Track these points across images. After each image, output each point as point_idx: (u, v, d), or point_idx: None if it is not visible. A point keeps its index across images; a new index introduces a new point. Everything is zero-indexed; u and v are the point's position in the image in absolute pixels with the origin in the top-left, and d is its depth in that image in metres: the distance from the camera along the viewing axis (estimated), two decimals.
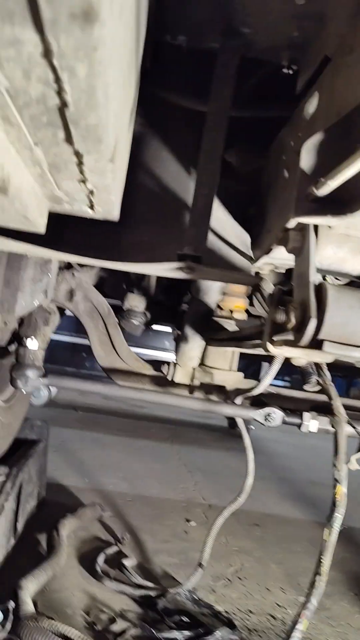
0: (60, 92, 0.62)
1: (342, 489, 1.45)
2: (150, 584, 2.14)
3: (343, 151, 0.86)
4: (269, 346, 1.15)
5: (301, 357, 1.16)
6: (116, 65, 0.68)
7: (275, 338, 1.16)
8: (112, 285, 2.89)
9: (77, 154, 0.82)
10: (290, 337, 1.06)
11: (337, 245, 1.02)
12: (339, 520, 1.45)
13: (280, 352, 1.14)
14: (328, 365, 1.77)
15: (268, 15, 1.21)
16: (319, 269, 1.06)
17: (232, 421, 5.80)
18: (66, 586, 2.04)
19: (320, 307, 0.94)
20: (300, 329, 0.96)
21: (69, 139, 0.76)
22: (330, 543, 1.41)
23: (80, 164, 0.86)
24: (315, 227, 1.01)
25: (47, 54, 0.54)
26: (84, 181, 0.95)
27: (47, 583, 1.95)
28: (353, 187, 0.87)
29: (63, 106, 0.66)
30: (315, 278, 0.96)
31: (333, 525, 1.42)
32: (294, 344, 1.01)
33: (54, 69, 0.56)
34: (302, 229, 1.03)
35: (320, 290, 0.95)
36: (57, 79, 0.59)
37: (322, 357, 1.13)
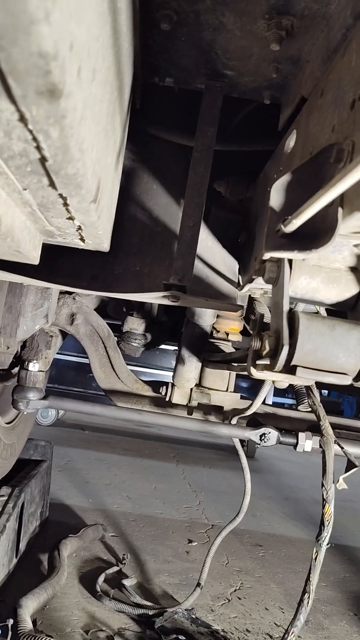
0: (38, 148, 0.69)
1: (330, 509, 1.49)
2: (149, 603, 2.17)
3: (309, 191, 0.92)
4: (252, 370, 1.21)
5: (282, 380, 1.21)
6: (91, 122, 0.75)
7: (258, 362, 1.21)
8: (113, 308, 2.97)
9: (62, 197, 0.89)
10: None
11: (310, 276, 1.08)
12: (327, 538, 1.49)
13: (263, 376, 1.20)
14: (341, 385, 1.82)
15: (248, 59, 1.29)
16: (293, 298, 1.12)
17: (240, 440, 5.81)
18: (66, 605, 2.07)
19: (293, 335, 1.00)
20: (274, 355, 1.02)
21: (52, 184, 0.84)
22: (318, 561, 1.44)
23: (65, 204, 0.94)
24: (290, 259, 1.08)
25: (23, 119, 0.61)
26: (71, 218, 1.03)
27: (47, 602, 1.99)
28: (318, 224, 0.93)
29: (43, 159, 0.73)
30: (288, 307, 1.02)
31: (322, 544, 1.46)
32: (270, 369, 1.06)
33: (30, 131, 0.64)
34: (278, 260, 1.09)
35: (292, 318, 1.01)
36: (35, 139, 0.66)
37: (302, 381, 1.18)
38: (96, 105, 0.78)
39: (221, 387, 2.32)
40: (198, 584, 2.18)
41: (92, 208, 0.95)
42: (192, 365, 2.21)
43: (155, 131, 1.56)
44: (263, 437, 2.04)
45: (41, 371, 2.13)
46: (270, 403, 5.06)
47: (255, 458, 5.88)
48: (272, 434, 2.04)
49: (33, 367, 2.09)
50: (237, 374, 2.38)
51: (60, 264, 1.49)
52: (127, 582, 2.31)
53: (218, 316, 2.18)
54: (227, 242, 1.67)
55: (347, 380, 1.03)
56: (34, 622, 1.86)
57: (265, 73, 1.32)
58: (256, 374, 1.21)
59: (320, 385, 3.46)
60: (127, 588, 2.26)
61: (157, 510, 3.59)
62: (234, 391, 2.38)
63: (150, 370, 6.22)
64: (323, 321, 1.01)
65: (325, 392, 8.43)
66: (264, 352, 1.05)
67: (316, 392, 1.74)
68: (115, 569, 2.46)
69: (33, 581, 2.05)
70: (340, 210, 0.89)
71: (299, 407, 2.13)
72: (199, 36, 1.24)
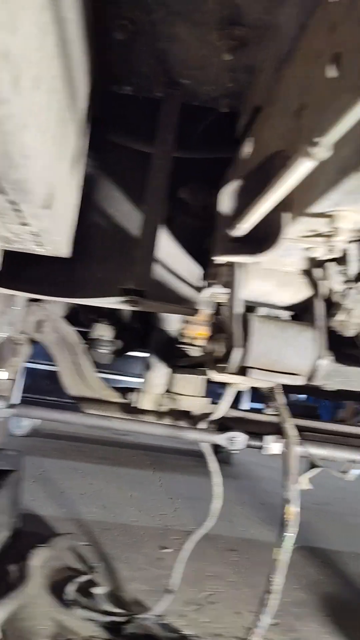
0: None
1: (291, 509, 1.51)
2: (119, 611, 2.16)
3: (256, 196, 0.95)
4: (212, 373, 1.23)
5: (239, 382, 1.23)
6: (36, 129, 0.76)
7: (217, 365, 1.23)
8: (85, 315, 2.96)
9: (12, 202, 0.90)
10: None
11: (263, 280, 1.10)
12: (291, 539, 1.50)
13: (222, 379, 1.22)
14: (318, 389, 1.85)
15: (205, 69, 1.31)
16: (249, 301, 1.14)
17: (216, 446, 5.78)
18: (35, 615, 2.05)
19: (246, 337, 1.02)
20: (228, 357, 1.04)
21: (2, 190, 0.85)
22: (281, 562, 1.46)
23: (17, 210, 0.94)
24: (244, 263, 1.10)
25: None
26: (25, 224, 1.03)
27: (15, 612, 1.97)
28: (269, 229, 0.96)
29: None
30: (241, 310, 1.04)
31: (283, 545, 1.48)
32: (225, 371, 1.08)
33: None
34: (232, 264, 1.11)
35: (245, 321, 1.03)
36: None
37: (258, 382, 1.21)
38: (42, 113, 0.79)
39: (191, 392, 2.33)
40: (169, 590, 2.18)
41: (44, 214, 0.97)
42: (160, 371, 2.22)
43: (117, 139, 1.58)
44: (231, 441, 2.05)
45: (9, 379, 2.12)
46: (248, 408, 5.07)
47: (231, 464, 5.89)
48: (241, 438, 2.05)
49: (0, 375, 2.08)
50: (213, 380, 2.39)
51: (23, 271, 1.50)
52: (97, 591, 2.30)
53: (187, 322, 2.19)
54: (192, 249, 1.69)
55: (299, 381, 1.06)
56: (3, 632, 1.84)
57: (222, 82, 1.35)
58: (215, 376, 1.23)
59: (295, 390, 3.48)
60: (98, 596, 2.24)
61: (132, 518, 3.57)
62: (208, 396, 2.39)
63: (126, 378, 6.21)
64: (275, 323, 1.03)
65: (303, 396, 8.50)
66: (219, 355, 1.07)
67: (280, 394, 1.76)
68: (86, 577, 2.44)
69: (1, 593, 2.03)
70: (286, 215, 0.92)
71: (266, 410, 2.15)
72: (155, 46, 1.26)
